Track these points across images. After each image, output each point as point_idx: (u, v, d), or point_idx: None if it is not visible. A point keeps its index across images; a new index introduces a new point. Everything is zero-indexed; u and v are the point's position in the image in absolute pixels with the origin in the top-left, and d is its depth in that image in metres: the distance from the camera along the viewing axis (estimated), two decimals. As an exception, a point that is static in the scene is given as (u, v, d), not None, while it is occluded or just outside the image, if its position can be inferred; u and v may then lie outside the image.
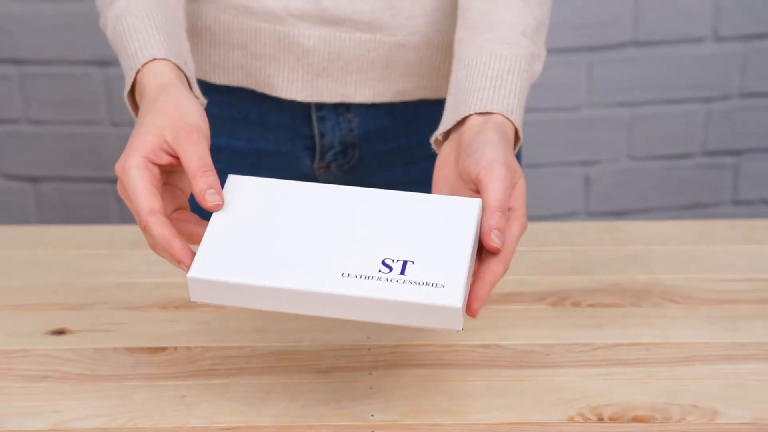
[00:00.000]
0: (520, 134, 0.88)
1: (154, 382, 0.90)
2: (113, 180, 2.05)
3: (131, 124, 1.99)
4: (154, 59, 0.87)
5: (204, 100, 0.89)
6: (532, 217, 2.02)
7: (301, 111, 1.07)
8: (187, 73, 0.88)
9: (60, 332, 0.97)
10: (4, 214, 2.08)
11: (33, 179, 2.06)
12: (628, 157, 2.09)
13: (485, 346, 0.94)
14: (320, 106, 1.07)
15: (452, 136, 0.87)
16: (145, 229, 0.79)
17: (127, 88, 0.88)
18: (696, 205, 2.15)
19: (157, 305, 1.01)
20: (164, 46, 0.88)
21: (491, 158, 0.81)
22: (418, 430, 0.84)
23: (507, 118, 0.86)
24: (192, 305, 1.00)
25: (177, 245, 0.78)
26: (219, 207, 0.80)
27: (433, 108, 1.09)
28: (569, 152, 2.08)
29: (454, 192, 0.84)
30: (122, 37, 0.89)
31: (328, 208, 0.81)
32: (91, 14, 1.93)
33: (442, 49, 1.04)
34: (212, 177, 0.79)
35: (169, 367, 0.91)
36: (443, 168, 0.86)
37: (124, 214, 2.08)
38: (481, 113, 0.86)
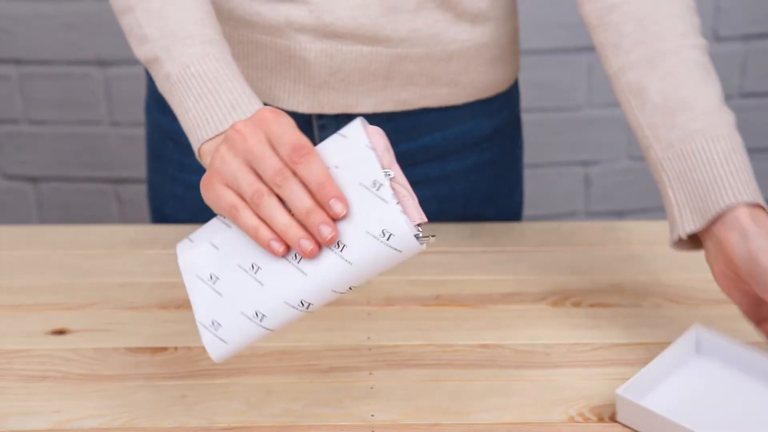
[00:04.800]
0: None
1: (154, 382, 0.90)
2: (113, 180, 2.05)
3: (131, 124, 1.99)
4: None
5: None
6: (532, 217, 2.03)
7: (302, 119, 1.07)
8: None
9: (60, 332, 0.97)
10: (4, 214, 2.08)
11: (33, 179, 2.06)
12: (628, 157, 2.09)
13: (485, 346, 0.94)
14: (321, 115, 1.07)
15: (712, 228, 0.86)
16: (300, 161, 0.75)
17: (211, 134, 0.86)
18: (696, 205, 2.15)
19: (157, 305, 1.01)
20: (256, 100, 0.87)
21: None
22: (418, 430, 0.84)
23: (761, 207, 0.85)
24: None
25: (333, 183, 0.75)
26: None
27: (434, 114, 1.09)
28: (569, 152, 2.08)
29: (739, 287, 0.85)
30: (204, 81, 0.87)
31: None
32: (91, 14, 1.93)
33: (443, 59, 1.04)
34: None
35: (169, 367, 0.92)
36: (716, 264, 0.86)
37: (124, 214, 2.08)
38: (749, 204, 0.84)
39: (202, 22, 0.90)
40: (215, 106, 0.86)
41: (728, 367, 0.87)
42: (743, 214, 0.84)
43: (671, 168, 0.88)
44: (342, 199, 0.75)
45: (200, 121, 0.86)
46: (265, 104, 1.06)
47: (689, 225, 0.86)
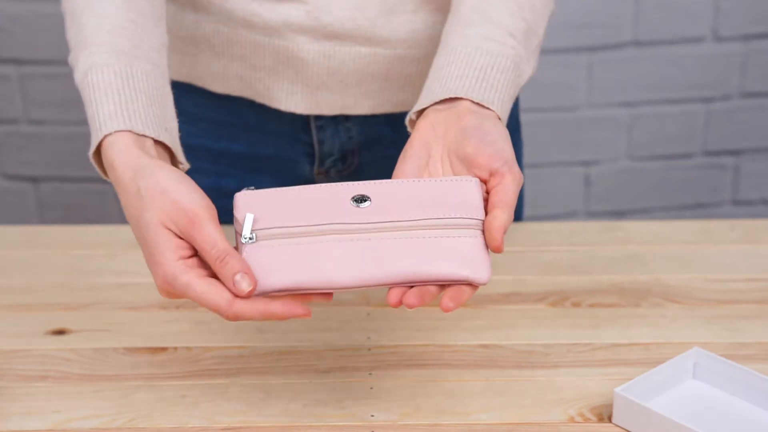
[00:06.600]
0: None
1: (154, 382, 0.90)
2: (113, 180, 2.05)
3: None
4: (120, 131, 0.81)
5: (186, 165, 0.86)
6: (532, 217, 2.03)
7: (300, 120, 1.07)
8: (167, 141, 0.83)
9: (60, 332, 0.97)
10: (4, 214, 2.08)
11: (33, 179, 2.06)
12: (628, 157, 2.09)
13: (485, 346, 0.94)
14: (319, 116, 1.07)
15: (440, 110, 0.85)
16: (236, 315, 0.75)
17: (93, 148, 0.83)
18: (696, 205, 2.15)
19: (157, 305, 1.01)
20: (140, 118, 0.82)
21: (510, 157, 0.81)
22: (418, 430, 0.84)
23: (499, 117, 0.85)
24: (192, 305, 1.00)
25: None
26: (252, 291, 0.74)
27: None
28: (569, 152, 2.08)
29: (428, 160, 0.84)
30: (94, 90, 0.84)
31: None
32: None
33: None
34: (233, 261, 0.75)
35: (169, 367, 0.92)
36: (425, 135, 0.85)
37: (124, 214, 2.08)
38: (475, 102, 0.85)
39: (117, 31, 0.87)
40: (95, 117, 0.83)
41: (725, 391, 0.87)
42: (474, 108, 0.85)
43: (437, 62, 0.89)
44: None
45: (91, 129, 0.84)
46: (264, 105, 1.06)
47: (421, 103, 0.87)
